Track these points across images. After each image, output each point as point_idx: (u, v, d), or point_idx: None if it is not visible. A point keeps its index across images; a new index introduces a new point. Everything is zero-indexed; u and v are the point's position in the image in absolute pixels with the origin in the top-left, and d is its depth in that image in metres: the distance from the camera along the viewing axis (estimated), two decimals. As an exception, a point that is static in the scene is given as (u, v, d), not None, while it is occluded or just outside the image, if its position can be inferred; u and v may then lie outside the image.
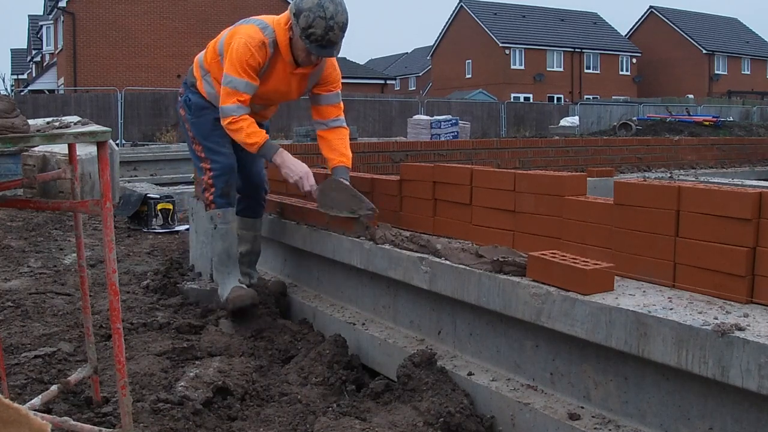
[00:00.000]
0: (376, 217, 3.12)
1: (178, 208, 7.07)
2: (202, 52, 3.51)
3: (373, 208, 3.12)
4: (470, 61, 45.55)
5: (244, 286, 3.41)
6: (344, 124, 3.46)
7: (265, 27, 3.18)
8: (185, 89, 3.54)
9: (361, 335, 3.02)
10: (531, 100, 38.55)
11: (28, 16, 46.14)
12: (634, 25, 50.71)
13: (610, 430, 2.03)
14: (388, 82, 38.57)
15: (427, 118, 16.26)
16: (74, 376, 2.52)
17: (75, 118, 2.26)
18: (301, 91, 3.40)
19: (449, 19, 47.86)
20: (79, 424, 2.18)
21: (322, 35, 3.03)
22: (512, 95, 40.03)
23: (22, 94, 29.62)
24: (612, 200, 2.37)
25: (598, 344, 2.03)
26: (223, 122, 3.21)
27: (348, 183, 3.24)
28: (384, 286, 3.06)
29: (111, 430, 2.23)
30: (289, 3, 3.17)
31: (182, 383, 2.62)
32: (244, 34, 3.17)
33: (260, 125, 3.53)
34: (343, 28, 3.08)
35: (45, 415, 2.23)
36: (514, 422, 2.27)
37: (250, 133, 3.19)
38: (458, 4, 46.59)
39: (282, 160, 3.24)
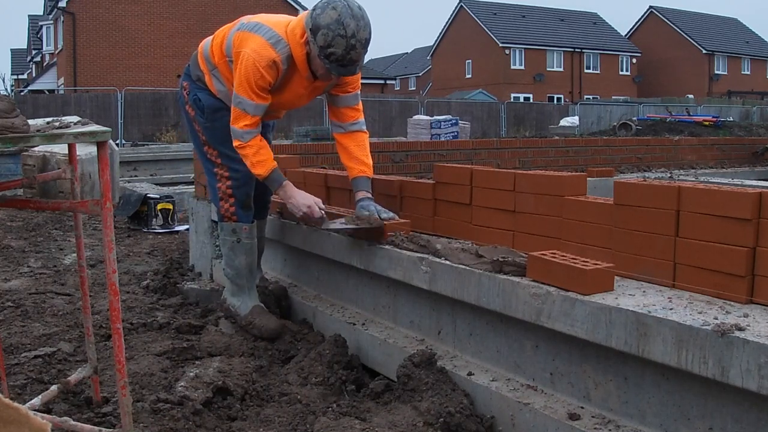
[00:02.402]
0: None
1: (178, 208, 7.07)
2: (206, 41, 3.24)
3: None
4: (470, 61, 45.55)
5: (263, 305, 3.33)
6: (363, 128, 3.22)
7: (278, 41, 2.90)
8: (190, 84, 3.27)
9: (361, 335, 3.02)
10: (531, 100, 38.55)
11: (28, 16, 46.22)
12: (634, 25, 50.72)
13: (610, 430, 2.03)
14: (388, 82, 38.59)
15: (427, 118, 16.24)
16: (74, 376, 2.52)
17: (75, 118, 2.26)
18: (316, 95, 3.22)
19: (449, 19, 47.87)
20: (79, 424, 2.18)
21: (343, 55, 2.79)
22: (512, 95, 40.03)
23: (22, 94, 29.62)
24: (612, 200, 2.37)
25: (598, 344, 2.03)
26: (233, 142, 3.04)
27: (370, 196, 3.09)
28: (384, 286, 3.06)
29: (111, 430, 2.23)
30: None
31: (182, 383, 2.62)
32: (253, 51, 2.89)
33: (266, 124, 3.38)
34: (365, 45, 2.82)
35: (45, 415, 2.23)
36: (514, 422, 2.27)
37: (254, 163, 3.01)
38: (458, 4, 46.59)
39: (285, 195, 3.08)
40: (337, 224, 3.04)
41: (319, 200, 3.11)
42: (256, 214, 3.41)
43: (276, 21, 3.03)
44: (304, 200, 3.07)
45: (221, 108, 3.18)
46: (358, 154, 3.16)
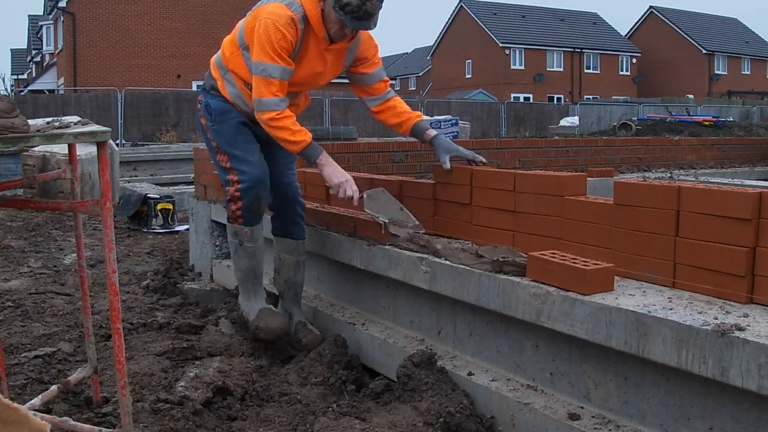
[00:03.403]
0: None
1: (178, 208, 7.07)
2: (218, 52, 3.18)
3: (419, 225, 2.93)
4: (470, 61, 45.54)
5: (272, 307, 3.24)
6: (395, 94, 3.23)
7: (291, 2, 2.87)
8: (204, 95, 3.19)
9: (361, 335, 3.02)
10: (531, 100, 38.52)
11: (28, 16, 46.19)
12: (634, 25, 50.69)
13: (610, 430, 2.03)
14: (388, 82, 38.51)
15: (428, 118, 16.23)
16: (74, 376, 2.52)
17: (75, 118, 2.26)
18: (337, 71, 3.10)
19: (449, 19, 47.85)
20: (79, 424, 2.18)
21: (359, 6, 2.74)
22: (512, 95, 40.00)
23: (22, 94, 29.61)
24: (612, 200, 2.37)
25: (598, 344, 2.03)
26: (262, 117, 2.86)
27: (434, 133, 3.07)
28: (384, 286, 3.06)
29: (111, 430, 2.23)
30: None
31: (182, 383, 2.62)
32: (269, 14, 2.84)
33: None
34: None
35: (45, 415, 2.24)
36: (514, 422, 2.27)
37: (295, 131, 2.87)
38: (458, 4, 46.58)
39: (327, 161, 2.94)
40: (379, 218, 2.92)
41: (353, 182, 2.94)
42: (288, 233, 3.26)
43: None
44: (342, 173, 2.95)
45: (230, 110, 3.09)
46: (405, 108, 3.18)
